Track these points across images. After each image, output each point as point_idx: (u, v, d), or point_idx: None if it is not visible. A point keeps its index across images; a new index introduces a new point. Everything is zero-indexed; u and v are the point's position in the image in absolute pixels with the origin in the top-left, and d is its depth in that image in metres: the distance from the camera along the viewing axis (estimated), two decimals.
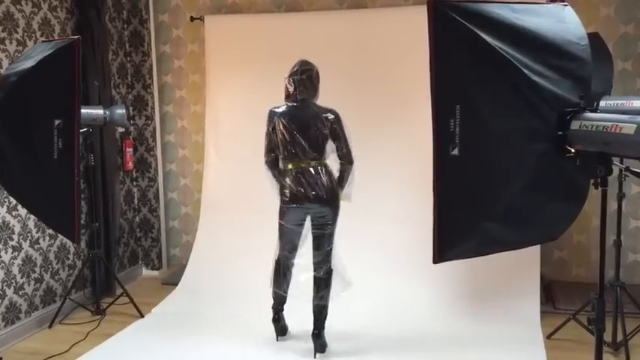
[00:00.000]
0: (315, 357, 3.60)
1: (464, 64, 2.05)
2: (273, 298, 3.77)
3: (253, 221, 4.69)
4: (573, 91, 2.04)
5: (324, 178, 3.55)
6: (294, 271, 3.73)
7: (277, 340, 3.80)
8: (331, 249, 3.63)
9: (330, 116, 3.56)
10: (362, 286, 4.21)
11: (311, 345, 3.63)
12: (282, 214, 3.66)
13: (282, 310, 3.81)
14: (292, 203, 3.59)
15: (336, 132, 3.57)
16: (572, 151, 2.03)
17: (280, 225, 3.67)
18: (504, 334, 3.85)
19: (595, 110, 2.07)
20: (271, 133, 3.63)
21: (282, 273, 3.72)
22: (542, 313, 4.13)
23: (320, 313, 3.62)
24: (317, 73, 3.60)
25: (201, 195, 5.17)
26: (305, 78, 3.55)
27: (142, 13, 5.21)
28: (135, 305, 4.35)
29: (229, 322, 4.12)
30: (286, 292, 3.73)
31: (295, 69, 3.57)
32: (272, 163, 3.69)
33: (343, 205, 3.63)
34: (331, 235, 3.61)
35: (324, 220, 3.58)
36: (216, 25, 5.05)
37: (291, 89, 3.57)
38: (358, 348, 3.73)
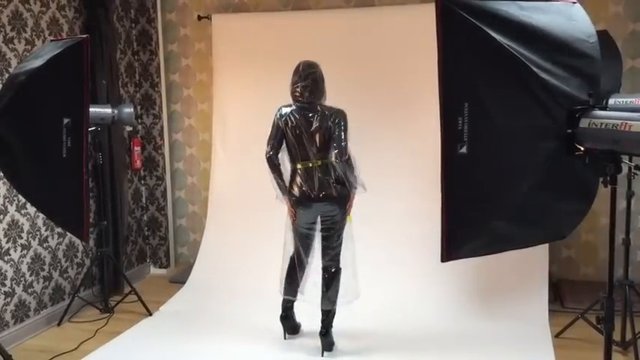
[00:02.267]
0: (322, 355, 3.60)
1: (472, 62, 2.05)
2: (283, 299, 3.77)
3: (260, 219, 4.69)
4: (582, 89, 2.04)
5: (333, 177, 3.55)
6: (307, 271, 3.72)
7: (285, 339, 3.81)
8: (340, 247, 3.63)
9: (336, 117, 3.54)
10: (369, 285, 4.22)
11: (318, 343, 3.63)
12: (292, 215, 3.66)
13: (292, 308, 3.82)
14: (301, 204, 3.59)
15: (335, 131, 3.52)
16: (582, 149, 2.02)
17: (292, 227, 3.67)
18: (513, 333, 3.84)
19: (604, 108, 2.06)
20: (279, 131, 3.61)
21: (294, 273, 3.71)
22: (551, 311, 4.12)
23: (328, 313, 3.62)
24: (321, 74, 3.57)
25: (209, 193, 5.18)
26: (310, 82, 3.53)
27: (149, 12, 5.23)
28: (143, 303, 4.37)
29: (237, 320, 4.13)
30: (296, 293, 3.72)
31: (299, 74, 3.55)
32: (270, 160, 3.64)
33: (354, 203, 3.61)
34: (340, 232, 3.61)
35: (333, 218, 3.58)
36: (224, 23, 5.05)
37: (297, 94, 3.55)
38: (365, 347, 3.73)
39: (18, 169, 3.03)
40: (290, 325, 3.83)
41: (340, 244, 3.63)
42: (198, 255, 5.02)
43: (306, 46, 4.53)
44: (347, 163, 3.53)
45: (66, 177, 2.91)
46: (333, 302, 3.62)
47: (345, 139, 3.53)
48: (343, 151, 3.53)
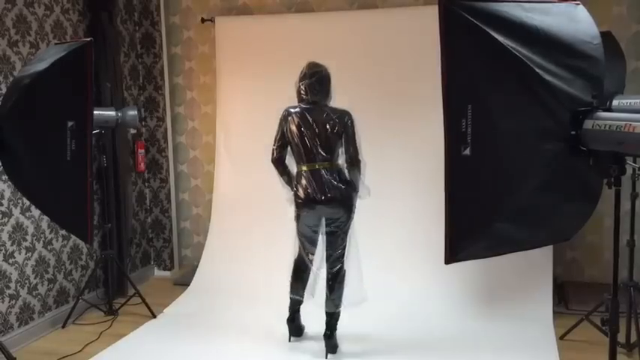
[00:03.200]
0: (326, 357, 3.60)
1: (475, 64, 2.05)
2: (291, 299, 3.76)
3: (264, 221, 4.70)
4: (586, 91, 2.03)
5: (337, 180, 3.54)
6: (312, 273, 3.70)
7: (290, 341, 3.80)
8: (344, 250, 3.62)
9: (343, 117, 3.54)
10: (373, 287, 4.21)
11: (322, 345, 3.63)
12: (297, 218, 3.65)
13: (298, 310, 3.81)
14: (306, 206, 3.58)
15: (346, 133, 3.53)
16: (585, 150, 2.01)
17: (297, 229, 3.66)
18: (517, 335, 3.84)
19: (608, 109, 2.06)
20: (285, 132, 3.62)
21: (300, 275, 3.70)
22: (555, 313, 4.11)
23: (332, 315, 3.61)
24: (327, 74, 3.57)
25: (212, 196, 5.19)
26: (314, 81, 3.53)
27: (153, 15, 5.24)
28: (147, 306, 4.37)
29: (241, 322, 4.12)
30: (302, 296, 3.70)
31: (304, 72, 3.55)
32: (277, 161, 3.66)
33: (356, 204, 3.61)
34: (345, 234, 3.60)
35: (337, 221, 3.57)
36: (227, 26, 5.06)
37: (302, 93, 3.56)
38: (370, 349, 3.73)
39: (22, 171, 3.04)
40: (295, 327, 3.82)
41: (344, 246, 3.62)
42: (202, 257, 5.02)
43: (309, 48, 4.53)
44: (358, 167, 3.54)
45: (70, 180, 2.92)
46: (337, 304, 3.61)
47: (357, 142, 3.53)
48: (356, 156, 3.53)
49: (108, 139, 4.60)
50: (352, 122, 3.54)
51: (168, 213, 5.43)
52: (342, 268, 3.62)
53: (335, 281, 3.60)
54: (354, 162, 3.54)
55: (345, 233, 3.60)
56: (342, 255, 3.62)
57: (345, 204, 3.56)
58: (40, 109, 2.93)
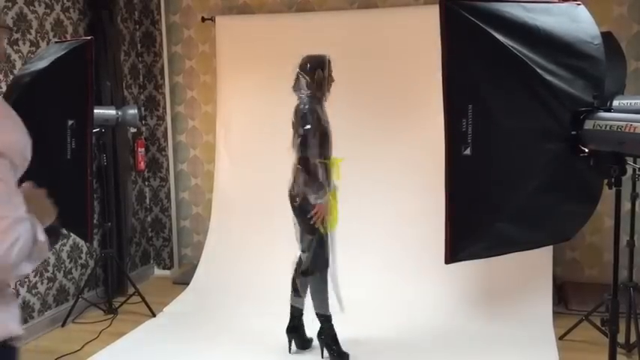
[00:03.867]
0: (322, 357, 3.59)
1: (476, 64, 2.05)
2: (291, 307, 3.65)
3: (264, 221, 4.70)
4: (587, 91, 2.04)
5: (299, 181, 3.35)
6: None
7: (290, 352, 3.63)
8: (310, 250, 3.43)
9: (300, 102, 3.40)
10: (372, 287, 4.22)
11: (320, 346, 3.62)
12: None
13: (300, 318, 3.63)
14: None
15: (296, 120, 3.33)
16: (586, 150, 2.02)
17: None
18: (516, 335, 3.83)
19: (609, 110, 2.06)
20: None
21: (296, 280, 3.60)
22: (555, 313, 4.10)
23: (317, 315, 3.51)
24: (303, 65, 3.46)
25: (212, 195, 5.18)
26: (296, 71, 3.47)
27: (153, 14, 5.24)
28: (147, 304, 4.37)
29: (240, 322, 4.12)
30: (302, 304, 3.60)
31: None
32: None
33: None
34: (307, 236, 3.42)
35: (297, 222, 3.47)
36: (228, 25, 5.06)
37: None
38: (368, 350, 3.71)
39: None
40: (298, 338, 3.65)
41: (309, 247, 3.43)
42: (202, 256, 5.02)
43: (309, 47, 4.50)
44: (305, 168, 3.28)
45: (70, 178, 2.92)
46: (315, 305, 3.50)
47: (304, 137, 3.25)
48: (298, 153, 3.29)
49: (108, 138, 4.59)
50: (305, 106, 3.29)
51: (168, 212, 5.43)
52: (307, 269, 3.47)
53: (304, 281, 3.51)
54: (297, 161, 3.30)
55: (307, 234, 3.41)
56: (308, 257, 3.44)
57: (297, 211, 3.41)
58: (41, 107, 2.93)
